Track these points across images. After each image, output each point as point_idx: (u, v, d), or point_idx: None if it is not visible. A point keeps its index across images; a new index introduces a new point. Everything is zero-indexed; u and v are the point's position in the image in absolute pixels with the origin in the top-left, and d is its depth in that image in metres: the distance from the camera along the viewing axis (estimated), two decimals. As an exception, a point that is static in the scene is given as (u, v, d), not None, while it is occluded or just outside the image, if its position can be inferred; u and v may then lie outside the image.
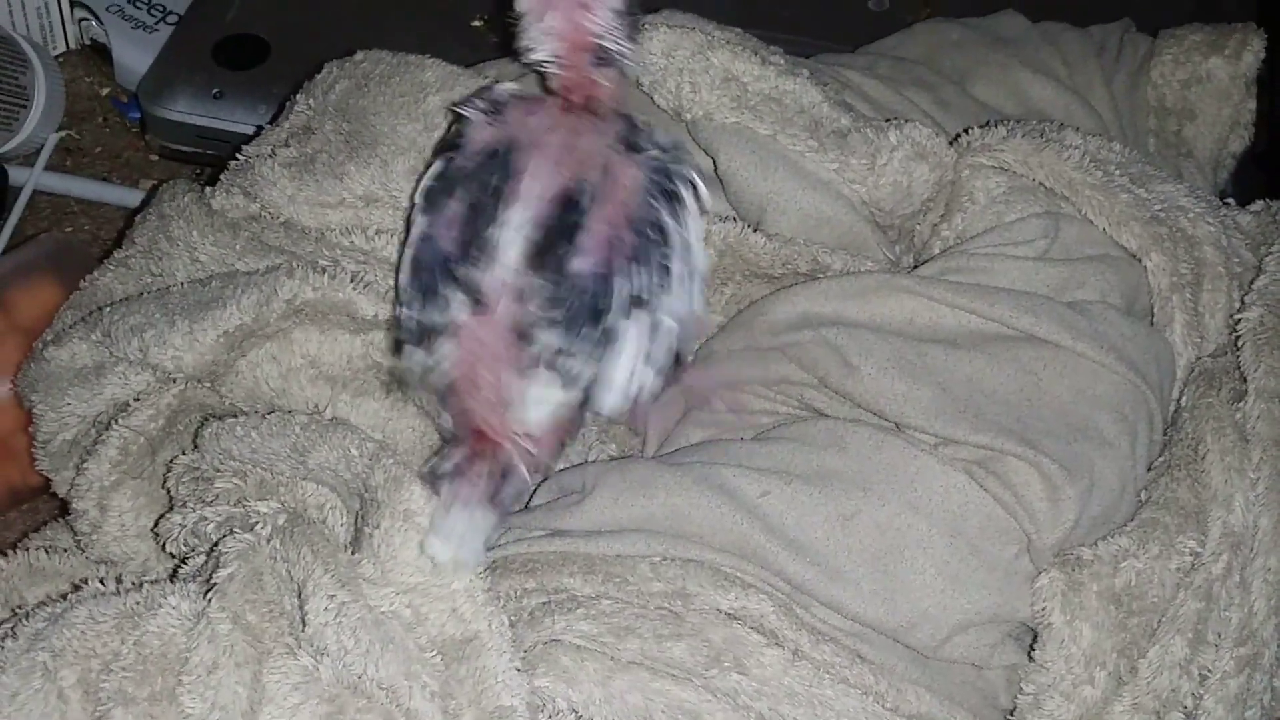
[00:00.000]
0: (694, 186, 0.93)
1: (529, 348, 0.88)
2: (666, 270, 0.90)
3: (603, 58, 0.93)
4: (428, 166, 0.95)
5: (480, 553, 0.86)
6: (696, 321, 0.95)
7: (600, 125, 0.92)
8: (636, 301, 0.89)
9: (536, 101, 0.94)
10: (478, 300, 0.89)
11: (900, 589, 0.90)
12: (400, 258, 0.94)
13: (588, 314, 0.88)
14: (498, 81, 0.97)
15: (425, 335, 0.90)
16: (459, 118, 0.94)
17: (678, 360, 0.94)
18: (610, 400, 0.90)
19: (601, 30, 0.92)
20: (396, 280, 0.94)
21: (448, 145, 0.94)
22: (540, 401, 0.88)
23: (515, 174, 0.90)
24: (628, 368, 0.89)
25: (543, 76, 0.95)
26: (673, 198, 0.91)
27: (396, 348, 0.94)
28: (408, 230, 0.94)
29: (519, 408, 0.88)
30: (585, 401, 0.89)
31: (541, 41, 0.93)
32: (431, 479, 0.87)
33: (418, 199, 0.93)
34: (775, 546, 0.90)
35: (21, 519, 1.19)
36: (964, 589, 0.91)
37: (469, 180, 0.91)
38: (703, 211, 0.94)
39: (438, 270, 0.90)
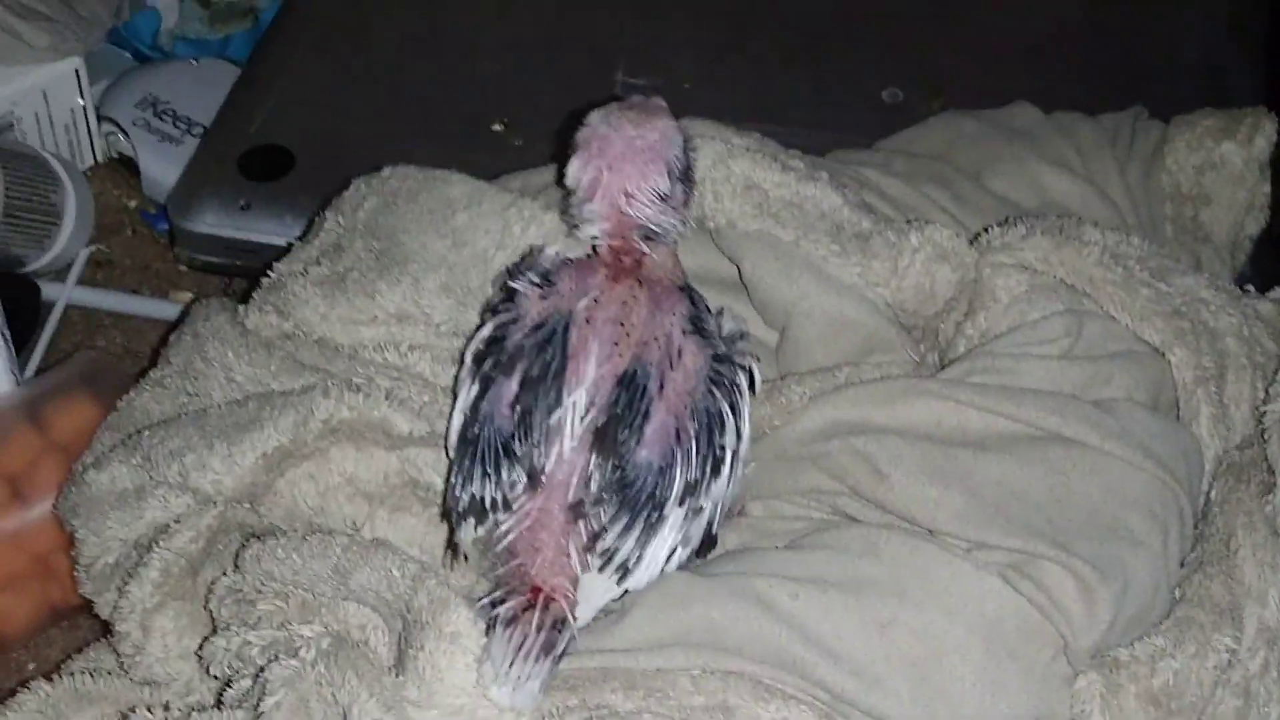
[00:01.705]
0: (752, 376, 0.95)
1: (585, 528, 0.90)
2: (720, 459, 0.92)
3: (650, 236, 0.96)
4: (479, 326, 0.97)
5: (536, 698, 0.87)
6: (732, 499, 0.97)
7: (662, 299, 0.95)
8: (689, 489, 0.91)
9: (587, 268, 0.96)
10: (533, 476, 0.91)
11: (940, 695, 0.91)
12: (450, 422, 0.96)
13: (648, 504, 0.90)
14: (542, 248, 0.99)
15: (482, 509, 0.92)
16: (509, 287, 0.97)
17: (713, 537, 0.96)
18: (646, 580, 0.92)
19: (648, 215, 0.95)
20: (446, 445, 0.96)
21: (497, 309, 0.96)
22: (592, 597, 0.91)
23: (573, 353, 0.92)
24: (668, 550, 0.92)
25: (594, 247, 0.98)
26: (733, 388, 0.93)
27: (448, 516, 0.96)
28: (455, 388, 0.97)
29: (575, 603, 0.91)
30: (623, 578, 0.92)
31: (590, 219, 0.96)
32: (489, 623, 0.89)
33: (468, 359, 0.96)
34: (814, 656, 0.91)
35: (62, 636, 1.20)
36: (1003, 693, 0.91)
37: (524, 356, 0.93)
38: (754, 395, 0.96)
39: (498, 448, 0.92)
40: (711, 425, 0.92)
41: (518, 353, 0.94)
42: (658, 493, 0.90)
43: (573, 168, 0.96)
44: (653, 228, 0.95)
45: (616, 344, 0.93)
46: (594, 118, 0.97)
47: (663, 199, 0.95)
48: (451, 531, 0.96)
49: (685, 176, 0.98)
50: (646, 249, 0.96)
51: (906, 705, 0.90)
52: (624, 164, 0.95)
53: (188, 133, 1.53)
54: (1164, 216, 1.28)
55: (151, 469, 1.02)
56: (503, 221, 1.08)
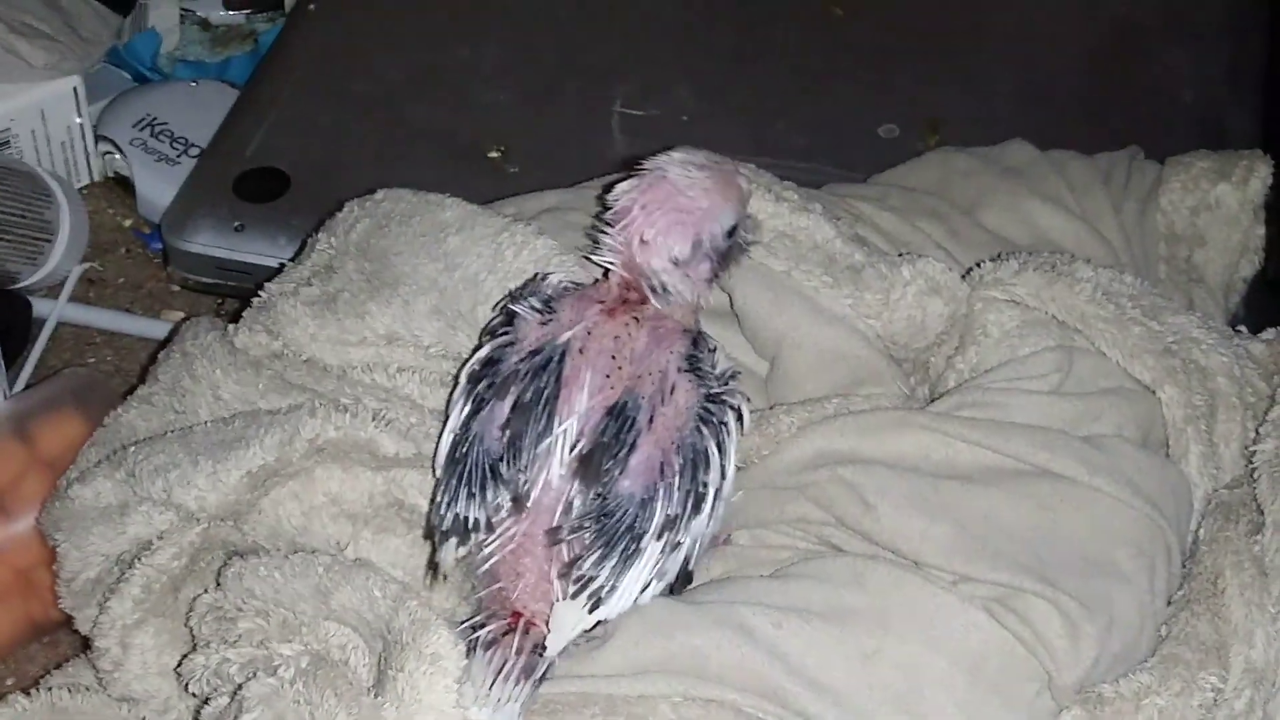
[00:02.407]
0: (741, 415, 0.95)
1: (564, 556, 0.90)
2: (702, 496, 0.92)
3: (653, 287, 0.95)
4: (477, 348, 0.97)
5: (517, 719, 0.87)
6: (711, 538, 0.96)
7: (663, 337, 0.94)
8: (669, 523, 0.91)
9: (588, 298, 0.96)
10: (518, 500, 0.91)
11: (922, 728, 0.90)
12: (439, 439, 0.96)
13: (626, 536, 0.90)
14: (546, 275, 1.00)
15: (465, 529, 0.92)
16: (509, 310, 0.97)
17: (688, 573, 0.95)
18: (618, 610, 0.91)
19: (655, 269, 0.95)
20: (435, 464, 0.96)
21: (496, 332, 0.96)
22: (565, 628, 0.90)
23: (566, 381, 0.92)
24: (643, 583, 0.91)
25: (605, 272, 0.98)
26: (720, 427, 0.93)
27: (431, 535, 0.96)
28: (447, 408, 0.97)
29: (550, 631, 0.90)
30: (595, 607, 0.90)
31: (608, 243, 0.96)
32: (469, 646, 0.88)
33: (462, 379, 0.96)
34: (796, 686, 0.90)
35: (43, 651, 1.20)
36: (985, 728, 0.91)
37: (518, 381, 0.93)
38: (742, 434, 0.96)
39: (485, 469, 0.92)
40: (697, 462, 0.92)
41: (512, 376, 0.93)
42: (637, 525, 0.90)
43: (620, 188, 0.96)
44: (656, 283, 0.95)
45: (608, 376, 0.92)
46: (671, 154, 0.96)
47: (675, 264, 0.95)
48: (434, 551, 0.95)
49: (720, 257, 0.97)
50: (650, 296, 0.96)
51: (888, 738, 0.90)
52: (655, 214, 0.94)
53: (184, 154, 1.52)
54: (1158, 257, 1.28)
55: (136, 485, 1.02)
56: (495, 246, 1.07)
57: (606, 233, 0.96)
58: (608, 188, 0.98)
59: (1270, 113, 1.45)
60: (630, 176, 0.96)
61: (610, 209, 0.96)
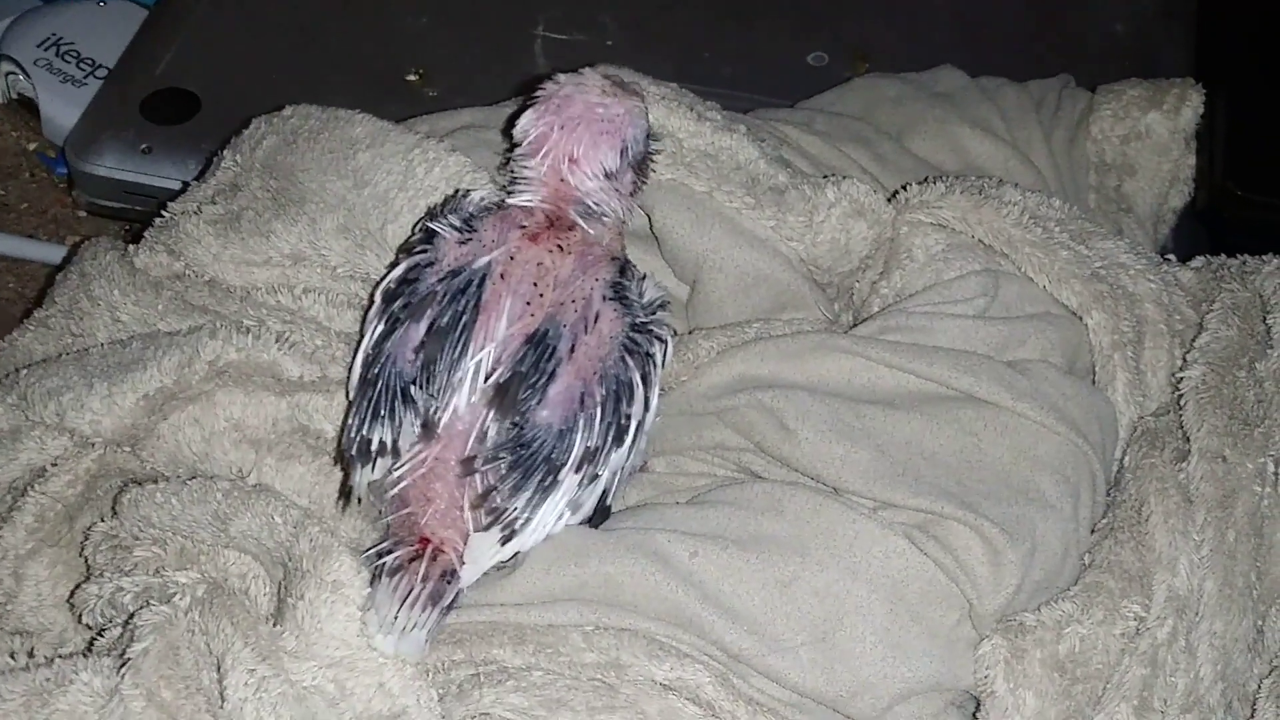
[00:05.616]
0: (667, 346, 0.93)
1: (477, 486, 0.87)
2: (624, 428, 0.89)
3: (587, 214, 0.93)
4: (394, 264, 0.94)
5: (423, 647, 0.85)
6: (630, 471, 0.94)
7: (589, 265, 0.91)
8: (588, 456, 0.88)
9: (511, 220, 0.93)
10: (429, 426, 0.88)
11: (840, 657, 0.88)
12: (354, 359, 0.93)
13: (543, 467, 0.87)
14: (468, 192, 0.96)
15: (371, 450, 0.89)
16: (429, 229, 0.93)
17: (606, 507, 0.93)
18: (532, 543, 0.89)
19: (588, 189, 0.92)
20: (348, 385, 0.93)
21: (414, 249, 0.93)
22: (481, 560, 0.87)
23: (485, 307, 0.89)
24: (558, 514, 0.89)
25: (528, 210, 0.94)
26: (646, 358, 0.90)
27: (341, 459, 0.93)
28: (362, 327, 0.94)
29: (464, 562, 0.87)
30: (509, 539, 0.88)
31: (528, 178, 0.93)
32: (374, 572, 0.85)
33: (378, 297, 0.93)
34: (711, 615, 0.88)
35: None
36: (905, 657, 0.89)
37: (435, 302, 0.90)
38: (666, 365, 0.94)
39: (396, 391, 0.89)
40: (620, 393, 0.89)
41: (429, 298, 0.90)
42: (555, 456, 0.87)
43: (524, 119, 0.93)
44: (590, 204, 0.92)
45: (529, 304, 0.90)
46: (565, 77, 0.94)
47: (608, 177, 0.92)
48: (345, 475, 0.92)
49: (639, 166, 0.95)
50: (581, 222, 0.93)
51: (805, 667, 0.88)
52: (578, 128, 0.92)
53: (91, 75, 1.48)
54: (1087, 186, 1.26)
55: (28, 409, 0.98)
56: (406, 162, 1.04)
57: (526, 167, 0.93)
58: (510, 121, 0.95)
59: (1202, 44, 1.43)
60: (528, 106, 0.93)
61: (522, 142, 0.93)
